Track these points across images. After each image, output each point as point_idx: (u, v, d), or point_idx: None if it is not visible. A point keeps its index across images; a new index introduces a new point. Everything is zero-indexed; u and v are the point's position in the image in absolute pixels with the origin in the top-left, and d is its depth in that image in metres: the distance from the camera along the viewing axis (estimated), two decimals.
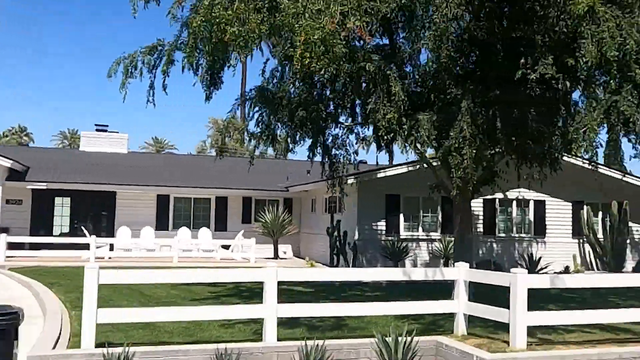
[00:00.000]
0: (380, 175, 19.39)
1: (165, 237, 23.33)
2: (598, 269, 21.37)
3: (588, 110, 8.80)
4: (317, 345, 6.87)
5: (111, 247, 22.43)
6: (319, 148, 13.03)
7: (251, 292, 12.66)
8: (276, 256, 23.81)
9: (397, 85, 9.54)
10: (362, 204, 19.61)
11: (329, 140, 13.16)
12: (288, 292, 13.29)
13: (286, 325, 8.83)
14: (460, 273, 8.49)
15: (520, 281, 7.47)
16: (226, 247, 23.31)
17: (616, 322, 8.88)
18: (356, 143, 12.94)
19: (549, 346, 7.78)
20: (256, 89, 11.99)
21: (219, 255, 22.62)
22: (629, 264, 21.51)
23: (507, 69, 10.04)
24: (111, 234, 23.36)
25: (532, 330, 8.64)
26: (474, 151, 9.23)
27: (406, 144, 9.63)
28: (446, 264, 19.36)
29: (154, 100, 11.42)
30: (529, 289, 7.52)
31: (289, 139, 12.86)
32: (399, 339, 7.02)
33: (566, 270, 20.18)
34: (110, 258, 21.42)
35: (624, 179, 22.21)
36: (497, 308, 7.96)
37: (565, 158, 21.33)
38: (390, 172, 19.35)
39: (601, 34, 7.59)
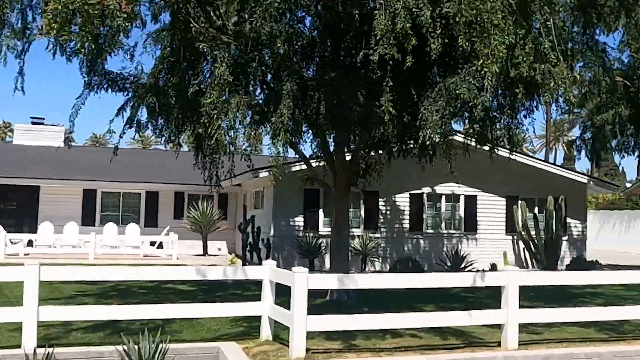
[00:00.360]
0: (298, 168, 18.52)
1: (92, 233, 22.54)
2: (534, 267, 20.56)
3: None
4: (47, 353, 6.07)
5: (30, 243, 21.66)
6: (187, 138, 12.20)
7: (127, 292, 11.92)
8: (205, 252, 23.05)
9: (221, 66, 8.71)
10: (279, 198, 18.80)
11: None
12: (171, 290, 12.59)
13: (98, 328, 8.08)
14: (266, 272, 7.68)
15: (298, 281, 6.66)
16: (154, 243, 22.56)
17: (430, 325, 7.99)
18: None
19: (336, 354, 6.97)
20: (104, 72, 11.13)
21: (143, 252, 21.86)
22: (565, 261, 20.69)
23: (353, 50, 9.24)
24: (35, 229, 22.56)
25: (354, 334, 7.87)
26: (290, 137, 8.43)
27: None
28: (364, 261, 18.57)
29: (22, 88, 10.61)
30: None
31: (168, 129, 12.02)
32: (149, 346, 6.22)
33: (492, 268, 19.31)
34: (26, 255, 20.65)
35: (563, 173, 21.40)
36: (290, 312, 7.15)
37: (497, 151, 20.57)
38: (303, 165, 18.44)
39: (395, 4, 6.74)
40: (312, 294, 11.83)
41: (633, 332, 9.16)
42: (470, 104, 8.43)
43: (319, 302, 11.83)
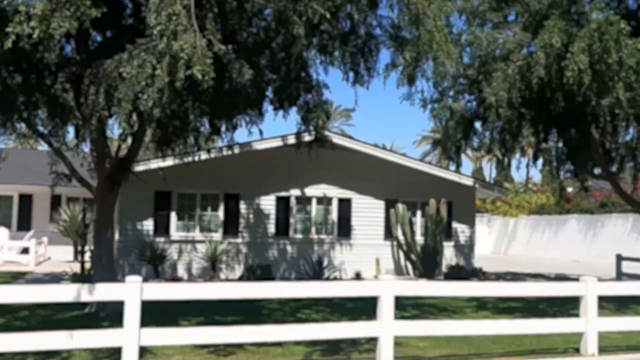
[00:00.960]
0: (142, 168, 17.12)
1: None
2: (415, 275, 19.23)
3: None
4: None
5: None
6: None
7: None
8: (76, 258, 21.66)
9: None
10: (126, 200, 17.42)
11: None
12: None
13: None
14: None
15: None
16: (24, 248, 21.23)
17: None
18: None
19: None
20: None
21: (4, 258, 20.51)
22: (446, 268, 19.36)
23: None
24: None
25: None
26: None
27: None
28: (213, 268, 17.21)
29: None
30: None
31: None
32: None
33: (357, 277, 18.01)
34: None
35: (447, 176, 20.09)
36: None
37: (372, 152, 19.31)
38: (155, 164, 17.13)
39: None
40: (71, 306, 10.67)
41: (350, 352, 7.91)
42: (141, 85, 7.16)
43: (67, 316, 10.59)
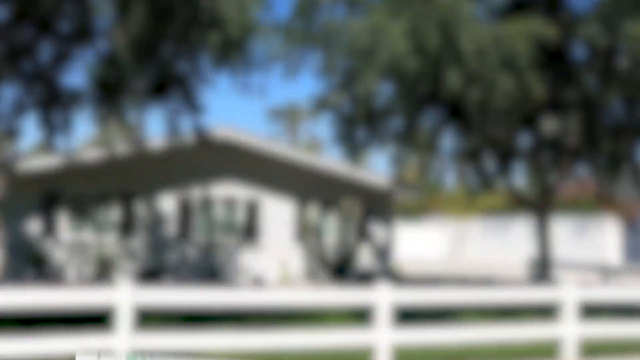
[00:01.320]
0: (28, 165, 16.26)
1: None
2: (327, 279, 18.40)
3: None
4: None
5: None
6: None
7: None
8: None
9: None
10: (11, 201, 16.57)
11: None
12: None
13: None
14: None
15: None
16: None
17: None
18: None
19: None
20: None
21: None
22: (356, 273, 18.50)
23: None
24: None
25: None
26: None
27: None
28: (103, 274, 16.32)
29: None
30: None
31: None
32: None
33: (256, 281, 17.18)
34: None
35: (360, 176, 19.22)
36: None
37: (280, 151, 18.43)
38: (40, 161, 16.26)
39: None
40: None
41: None
42: None
43: None
